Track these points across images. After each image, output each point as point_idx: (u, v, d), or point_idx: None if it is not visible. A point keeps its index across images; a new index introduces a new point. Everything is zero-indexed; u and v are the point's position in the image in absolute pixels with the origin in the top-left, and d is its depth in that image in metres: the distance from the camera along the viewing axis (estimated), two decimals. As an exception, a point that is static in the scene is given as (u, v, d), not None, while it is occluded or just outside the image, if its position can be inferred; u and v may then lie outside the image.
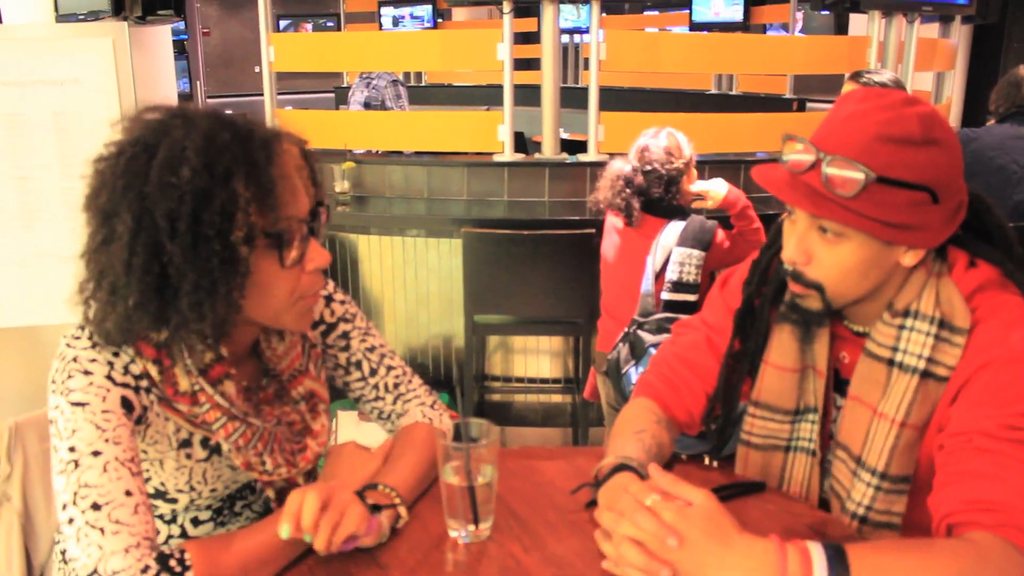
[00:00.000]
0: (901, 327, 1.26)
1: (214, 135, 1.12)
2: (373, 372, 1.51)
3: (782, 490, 1.40)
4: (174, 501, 1.33)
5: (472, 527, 1.20)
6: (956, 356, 1.21)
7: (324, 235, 1.26)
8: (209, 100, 9.28)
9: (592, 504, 1.26)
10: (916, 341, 1.24)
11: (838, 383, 1.39)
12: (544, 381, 3.84)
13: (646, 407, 1.46)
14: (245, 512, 1.47)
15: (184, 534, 1.38)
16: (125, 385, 1.19)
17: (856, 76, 3.12)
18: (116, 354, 1.20)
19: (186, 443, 1.28)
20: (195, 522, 1.39)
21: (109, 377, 1.18)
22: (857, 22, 6.31)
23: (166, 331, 1.16)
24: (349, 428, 3.45)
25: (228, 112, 1.18)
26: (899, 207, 1.18)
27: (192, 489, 1.32)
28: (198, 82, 9.66)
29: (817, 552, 1.02)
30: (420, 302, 3.86)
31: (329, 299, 1.49)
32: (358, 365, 1.50)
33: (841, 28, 6.79)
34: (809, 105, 6.14)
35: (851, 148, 1.19)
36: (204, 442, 1.29)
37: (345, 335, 1.49)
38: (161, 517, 1.37)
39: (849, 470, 1.31)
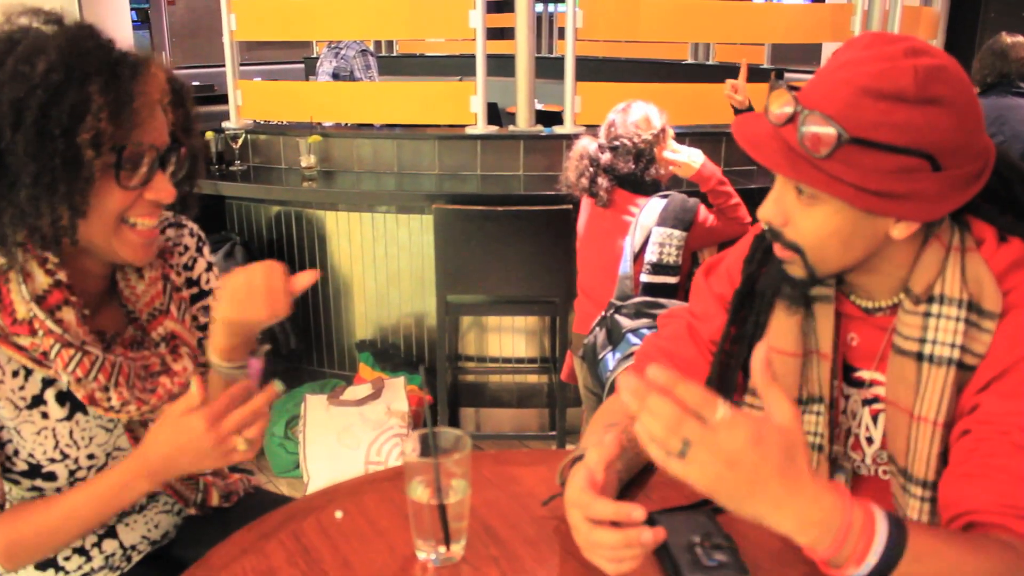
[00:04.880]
0: (927, 314, 1.11)
1: (80, 40, 1.11)
2: None
3: None
4: (52, 477, 1.24)
5: (443, 549, 1.08)
6: (986, 343, 1.08)
7: (179, 176, 1.24)
8: (175, 71, 9.03)
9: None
10: (946, 328, 1.09)
11: (847, 371, 1.26)
12: (520, 361, 3.73)
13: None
14: (162, 496, 1.41)
15: None
16: None
17: None
18: None
19: (38, 400, 1.20)
20: None
21: None
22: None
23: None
24: (319, 412, 3.34)
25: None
26: (882, 173, 1.03)
27: (65, 456, 1.23)
28: (163, 53, 9.40)
29: (881, 519, 0.89)
30: (391, 281, 3.73)
31: (211, 267, 1.44)
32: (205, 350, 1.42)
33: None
34: (787, 75, 6.02)
35: (832, 103, 1.04)
36: (60, 398, 1.22)
37: (206, 311, 1.42)
38: None
39: (899, 485, 1.17)
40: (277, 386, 1.13)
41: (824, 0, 6.42)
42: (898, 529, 0.89)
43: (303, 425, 3.31)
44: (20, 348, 1.17)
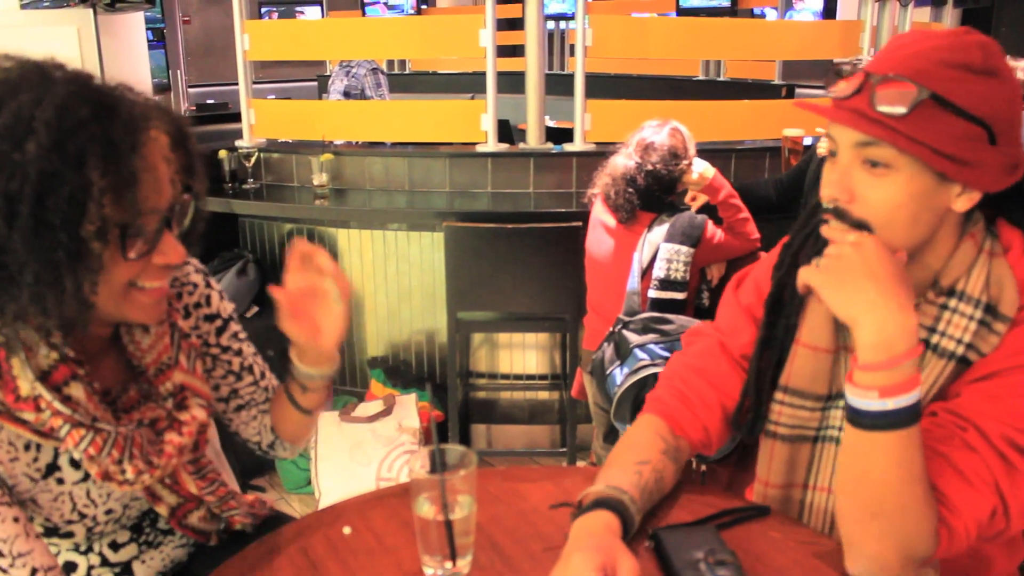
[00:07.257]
0: (943, 307, 1.15)
1: (70, 107, 0.96)
2: (263, 375, 1.44)
3: (808, 485, 1.29)
4: (70, 535, 1.21)
5: (449, 564, 1.09)
6: (993, 345, 1.11)
7: (185, 225, 1.14)
8: (190, 89, 9.14)
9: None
10: (957, 324, 1.13)
11: None
12: (531, 378, 3.74)
13: (655, 430, 1.32)
14: (179, 533, 1.35)
15: (105, 562, 1.28)
16: None
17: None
18: None
19: (52, 467, 1.15)
20: (114, 546, 1.28)
21: None
22: (847, 7, 6.23)
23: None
24: (330, 428, 3.35)
25: (95, 80, 1.03)
26: (953, 137, 1.07)
27: (83, 517, 1.19)
28: (178, 71, 9.49)
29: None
30: (402, 298, 3.75)
31: (222, 295, 1.40)
32: (250, 369, 1.42)
33: (829, 12, 6.70)
34: (798, 91, 6.03)
35: (907, 68, 1.08)
36: (74, 462, 1.17)
37: (236, 336, 1.41)
38: (76, 548, 1.25)
39: None
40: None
41: (834, 17, 6.45)
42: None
43: (315, 441, 3.32)
44: (24, 423, 1.09)
